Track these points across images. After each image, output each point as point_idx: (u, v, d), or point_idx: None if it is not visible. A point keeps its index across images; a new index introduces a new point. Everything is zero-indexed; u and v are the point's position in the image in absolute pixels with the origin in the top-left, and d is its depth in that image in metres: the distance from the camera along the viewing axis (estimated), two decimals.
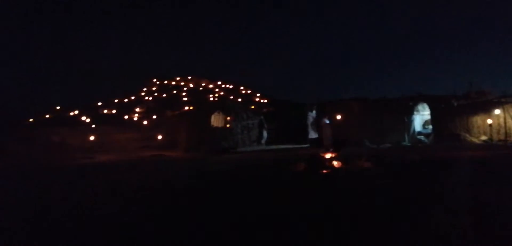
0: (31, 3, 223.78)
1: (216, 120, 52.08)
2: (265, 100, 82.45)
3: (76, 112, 71.49)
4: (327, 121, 46.45)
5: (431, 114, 44.69)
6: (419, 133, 45.28)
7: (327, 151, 28.76)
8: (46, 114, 71.30)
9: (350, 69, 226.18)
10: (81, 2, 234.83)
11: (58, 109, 75.55)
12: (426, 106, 45.61)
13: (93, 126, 58.71)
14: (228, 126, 50.91)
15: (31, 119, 67.21)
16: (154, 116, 65.43)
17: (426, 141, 42.76)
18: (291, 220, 12.90)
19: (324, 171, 23.80)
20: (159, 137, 52.93)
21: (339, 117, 46.02)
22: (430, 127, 44.96)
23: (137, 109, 72.78)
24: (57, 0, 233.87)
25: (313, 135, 49.40)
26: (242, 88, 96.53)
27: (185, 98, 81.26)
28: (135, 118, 67.29)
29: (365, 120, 44.96)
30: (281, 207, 15.00)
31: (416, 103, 45.93)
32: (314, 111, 50.54)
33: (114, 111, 73.81)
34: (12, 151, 43.88)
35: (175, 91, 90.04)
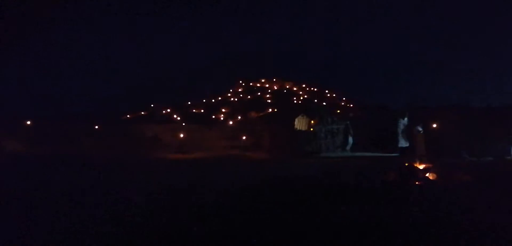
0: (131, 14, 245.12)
1: (299, 123, 51.50)
2: (352, 105, 79.79)
3: (168, 110, 76.11)
4: (421, 130, 43.14)
5: None
6: None
7: (421, 161, 26.72)
8: (141, 111, 77.07)
9: (447, 74, 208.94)
10: (172, 6, 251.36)
11: (152, 106, 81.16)
12: None
13: (184, 124, 61.89)
14: (311, 129, 50.02)
15: (128, 115, 73.13)
16: (239, 117, 67.02)
17: None
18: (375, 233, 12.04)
19: (417, 183, 22.08)
20: (244, 138, 54.00)
21: (434, 125, 42.48)
22: None
23: (223, 110, 75.27)
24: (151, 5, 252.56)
25: (403, 143, 46.27)
26: (327, 91, 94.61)
27: (269, 100, 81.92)
28: (221, 118, 69.61)
29: (464, 130, 40.89)
30: (370, 217, 14.09)
31: None
32: (405, 118, 47.34)
33: (202, 110, 77.15)
34: (111, 145, 48.16)
35: (259, 93, 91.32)
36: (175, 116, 70.10)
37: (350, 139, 51.39)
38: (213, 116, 70.77)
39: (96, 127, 56.08)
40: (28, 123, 56.92)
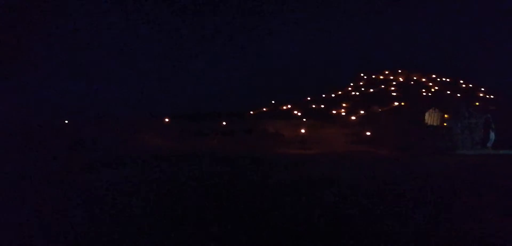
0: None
1: (430, 117, 47.41)
2: (492, 96, 70.52)
3: (289, 106, 77.67)
4: None
5: None
6: None
7: None
8: (263, 108, 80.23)
9: None
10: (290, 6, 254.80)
11: (273, 103, 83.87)
12: None
13: (304, 119, 62.39)
14: (445, 124, 45.60)
15: (251, 112, 76.77)
16: (361, 112, 64.80)
17: None
18: None
19: None
20: (367, 133, 51.98)
21: None
22: None
23: (344, 104, 73.70)
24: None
25: None
26: (462, 82, 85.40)
27: (394, 94, 77.43)
28: (342, 113, 68.22)
29: None
30: None
31: None
32: None
33: (322, 106, 76.75)
34: (239, 139, 51.07)
35: (383, 86, 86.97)
36: (295, 112, 71.08)
37: (492, 134, 45.41)
38: (334, 112, 69.82)
39: (224, 123, 60.09)
40: (167, 120, 63.84)
